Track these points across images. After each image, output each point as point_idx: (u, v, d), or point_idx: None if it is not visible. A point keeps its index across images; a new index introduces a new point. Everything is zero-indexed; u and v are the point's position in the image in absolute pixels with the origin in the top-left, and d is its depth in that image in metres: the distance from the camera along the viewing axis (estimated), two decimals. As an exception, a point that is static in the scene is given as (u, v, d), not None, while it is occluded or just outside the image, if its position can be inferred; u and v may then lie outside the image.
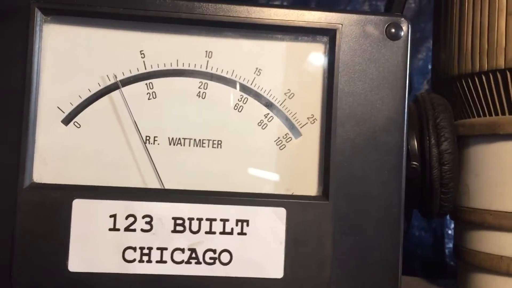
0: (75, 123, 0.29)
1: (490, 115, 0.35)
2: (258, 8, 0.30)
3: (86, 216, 0.28)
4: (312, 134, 0.30)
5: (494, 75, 0.34)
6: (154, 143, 0.29)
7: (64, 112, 0.29)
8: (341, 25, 0.30)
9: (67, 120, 0.29)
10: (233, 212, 0.29)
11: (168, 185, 0.29)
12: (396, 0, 0.38)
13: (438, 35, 0.40)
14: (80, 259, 0.28)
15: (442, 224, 0.61)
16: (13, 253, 0.27)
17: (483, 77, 0.35)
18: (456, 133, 0.36)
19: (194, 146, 0.30)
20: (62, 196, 0.28)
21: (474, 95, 0.36)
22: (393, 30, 0.31)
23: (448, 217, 0.50)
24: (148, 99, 0.29)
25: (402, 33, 0.31)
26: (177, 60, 0.30)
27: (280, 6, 0.30)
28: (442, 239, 0.62)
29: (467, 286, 0.37)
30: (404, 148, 0.31)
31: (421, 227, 0.62)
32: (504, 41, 0.33)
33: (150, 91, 0.29)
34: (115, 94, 0.29)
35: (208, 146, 0.30)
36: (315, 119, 0.30)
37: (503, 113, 0.34)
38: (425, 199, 0.37)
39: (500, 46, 0.33)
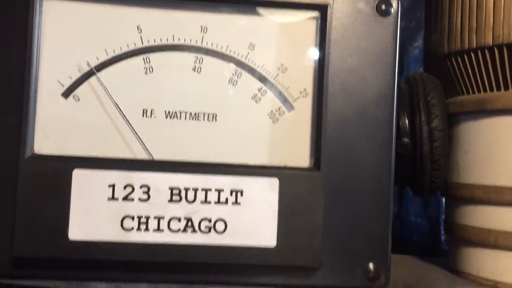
0: (75, 96, 0.30)
1: (479, 92, 0.36)
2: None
3: (85, 186, 0.29)
4: (304, 108, 0.31)
5: (483, 52, 0.35)
6: (151, 116, 0.30)
7: (63, 86, 0.30)
8: (332, 1, 0.31)
9: (66, 94, 0.30)
10: (227, 182, 0.29)
11: (165, 157, 0.30)
12: None
13: (430, 16, 0.40)
14: (80, 227, 0.28)
15: (438, 210, 0.62)
16: (15, 222, 0.28)
17: (472, 55, 0.35)
18: (446, 111, 0.37)
19: (190, 119, 0.31)
20: (62, 167, 0.29)
21: (464, 72, 0.37)
22: (383, 7, 0.32)
23: (439, 194, 0.50)
24: (145, 73, 0.30)
25: (392, 10, 0.32)
26: (173, 35, 0.30)
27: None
28: (438, 226, 0.63)
29: (457, 260, 0.38)
30: (393, 122, 0.32)
31: (417, 214, 0.63)
32: (492, 19, 0.34)
33: (147, 65, 0.30)
34: (113, 68, 0.30)
35: (204, 119, 0.31)
36: (307, 93, 0.31)
37: (491, 90, 0.35)
38: (416, 176, 0.38)
39: (488, 24, 0.34)
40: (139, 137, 0.30)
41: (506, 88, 0.34)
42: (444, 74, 0.38)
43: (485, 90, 0.36)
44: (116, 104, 0.30)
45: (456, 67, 0.37)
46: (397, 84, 0.32)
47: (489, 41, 0.34)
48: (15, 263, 0.29)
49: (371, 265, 0.31)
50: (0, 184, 0.29)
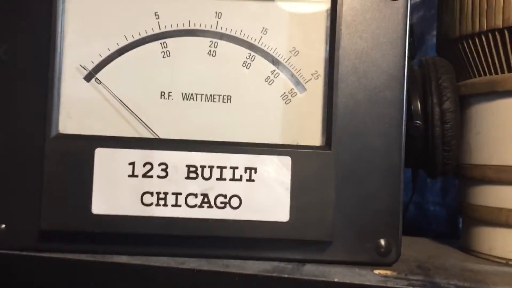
0: (96, 80, 0.31)
1: (490, 74, 0.37)
2: (263, -29, 0.32)
3: (107, 164, 0.30)
4: (316, 89, 0.32)
5: (493, 34, 0.35)
6: (168, 98, 0.32)
7: (86, 70, 0.31)
8: (341, -15, 0.32)
9: (88, 77, 0.31)
10: (242, 160, 0.31)
11: (182, 136, 0.31)
12: None
13: (443, 0, 0.41)
14: (102, 202, 0.30)
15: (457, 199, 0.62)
16: (42, 198, 0.30)
17: (483, 37, 0.36)
18: (458, 93, 0.38)
19: (205, 100, 0.32)
20: (85, 146, 0.30)
21: (475, 55, 0.37)
22: (393, -9, 0.33)
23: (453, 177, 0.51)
24: (163, 57, 0.32)
25: (402, -6, 0.33)
26: (189, 21, 0.32)
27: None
28: (456, 215, 0.63)
29: (470, 240, 0.39)
30: (404, 102, 0.33)
31: (435, 202, 0.64)
32: (502, 1, 0.35)
33: (164, 50, 0.32)
34: (133, 52, 0.32)
35: (219, 101, 0.32)
36: (318, 75, 0.32)
37: (502, 72, 0.36)
38: (429, 158, 0.39)
39: (498, 6, 0.35)
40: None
41: (506, 71, 0.35)
42: (455, 57, 0.39)
43: (496, 72, 0.36)
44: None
45: (467, 50, 0.38)
46: (407, 66, 0.33)
47: (499, 23, 0.35)
48: (42, 237, 0.31)
49: (382, 241, 0.32)
50: (28, 162, 0.31)
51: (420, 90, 0.39)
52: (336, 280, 0.29)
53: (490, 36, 0.36)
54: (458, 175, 0.40)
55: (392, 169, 0.32)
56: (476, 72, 0.38)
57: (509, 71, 0.35)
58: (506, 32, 0.35)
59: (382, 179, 0.32)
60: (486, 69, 0.37)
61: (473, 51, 0.37)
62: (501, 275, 0.32)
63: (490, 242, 0.37)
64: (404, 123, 0.33)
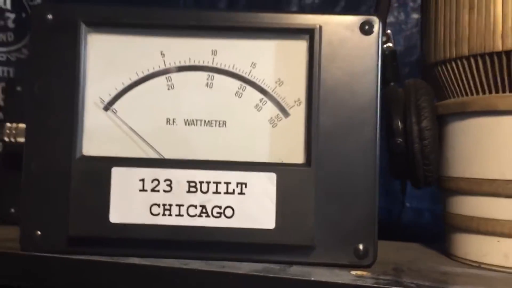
0: (113, 110, 0.38)
1: (462, 95, 0.41)
2: (251, 14, 0.37)
3: (122, 180, 0.36)
4: (298, 114, 0.37)
5: (461, 61, 0.40)
6: (173, 124, 0.38)
7: (104, 101, 0.38)
8: (318, 25, 0.37)
9: (106, 108, 0.38)
10: (234, 176, 0.36)
11: (184, 156, 0.37)
12: (382, 3, 0.45)
13: (423, 29, 0.46)
14: (118, 213, 0.36)
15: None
16: (69, 209, 0.36)
17: (453, 63, 0.40)
18: (436, 113, 0.42)
19: (204, 125, 0.38)
20: (104, 165, 0.36)
21: (448, 79, 0.42)
22: (366, 27, 0.38)
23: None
24: (168, 89, 0.38)
25: (374, 29, 0.38)
26: (189, 58, 0.38)
27: (268, 11, 0.37)
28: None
29: (449, 245, 0.43)
30: (377, 125, 0.37)
31: (425, 208, 0.65)
32: (468, 32, 0.39)
33: (169, 83, 0.38)
34: (143, 86, 0.38)
35: (215, 126, 0.38)
36: (300, 102, 0.37)
37: (472, 94, 0.40)
38: (412, 171, 0.43)
39: (464, 36, 0.39)
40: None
41: (483, 92, 0.39)
42: (434, 80, 0.43)
43: (466, 94, 0.40)
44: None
45: (442, 74, 0.42)
46: (380, 93, 0.37)
47: (465, 52, 0.39)
48: (69, 242, 0.37)
49: (360, 246, 0.37)
50: (58, 180, 0.37)
51: (402, 111, 0.43)
52: (312, 279, 0.34)
53: (459, 62, 0.40)
54: (440, 186, 0.44)
55: (367, 183, 0.37)
56: (450, 94, 0.42)
57: (477, 94, 0.40)
58: (472, 59, 0.39)
59: (359, 192, 0.37)
60: (458, 91, 0.41)
61: (446, 75, 0.41)
62: (466, 276, 0.37)
63: (465, 247, 0.41)
64: (377, 142, 0.37)
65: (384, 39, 0.45)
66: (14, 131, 0.43)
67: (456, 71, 0.40)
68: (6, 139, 0.43)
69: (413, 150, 0.42)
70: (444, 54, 0.41)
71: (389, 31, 0.46)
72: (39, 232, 0.37)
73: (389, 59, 0.45)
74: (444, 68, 0.41)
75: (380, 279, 0.34)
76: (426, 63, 0.44)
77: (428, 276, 0.36)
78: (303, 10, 0.77)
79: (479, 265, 0.40)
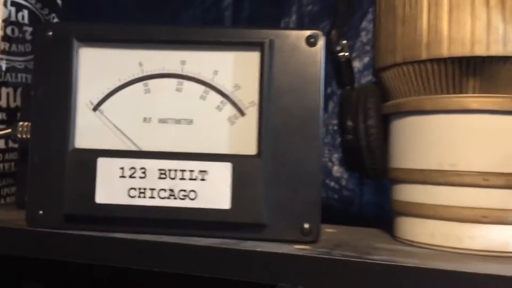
0: (100, 110, 0.45)
1: (399, 97, 0.47)
2: (213, 30, 0.45)
3: (106, 168, 0.44)
4: (252, 114, 0.45)
5: (397, 68, 0.46)
6: (149, 122, 0.45)
7: (93, 103, 0.46)
8: (268, 39, 0.44)
9: (95, 109, 0.46)
10: (197, 165, 0.44)
11: (157, 149, 0.45)
12: (338, 18, 0.52)
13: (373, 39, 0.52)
14: (103, 195, 0.44)
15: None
16: (64, 193, 0.44)
17: (391, 70, 0.47)
18: (381, 112, 0.49)
19: (174, 123, 0.45)
20: (92, 156, 0.44)
21: (388, 83, 0.48)
22: (311, 40, 0.45)
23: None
24: (145, 93, 0.45)
25: (318, 42, 0.45)
26: (163, 67, 0.45)
27: (228, 28, 0.44)
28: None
29: (394, 228, 0.49)
30: (320, 123, 0.44)
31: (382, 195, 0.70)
32: (400, 43, 0.45)
33: (146, 88, 0.45)
34: (125, 90, 0.45)
35: (184, 123, 0.45)
36: (254, 103, 0.45)
37: (405, 96, 0.47)
38: (361, 164, 0.50)
39: (398, 46, 0.46)
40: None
41: (414, 94, 0.46)
42: (380, 83, 0.50)
43: (402, 96, 0.47)
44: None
45: (384, 79, 0.49)
46: (322, 96, 0.44)
47: (399, 60, 0.46)
48: (66, 220, 0.45)
49: (305, 225, 0.44)
50: (55, 168, 0.45)
51: (353, 111, 0.50)
52: (257, 249, 0.41)
53: (395, 69, 0.46)
54: (387, 177, 0.51)
55: (311, 172, 0.44)
56: (392, 96, 0.49)
57: (409, 96, 0.46)
58: (403, 66, 0.45)
59: (304, 179, 0.44)
60: (396, 94, 0.48)
61: (386, 80, 0.48)
62: (391, 250, 0.43)
63: (402, 228, 0.47)
64: (320, 137, 0.44)
65: (339, 48, 0.52)
66: (25, 129, 0.51)
67: (394, 77, 0.47)
68: (19, 135, 0.51)
69: (361, 146, 0.49)
70: (384, 62, 0.47)
71: (345, 42, 0.52)
72: (41, 212, 0.45)
73: (344, 66, 0.52)
74: (384, 74, 0.48)
75: (314, 251, 0.41)
76: (373, 69, 0.51)
77: (358, 250, 0.42)
78: (302, 17, 0.85)
79: (411, 243, 0.46)
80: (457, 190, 0.43)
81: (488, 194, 0.42)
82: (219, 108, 0.45)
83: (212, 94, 0.45)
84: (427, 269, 0.36)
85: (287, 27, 0.44)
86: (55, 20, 0.70)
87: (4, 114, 0.63)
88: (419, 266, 0.37)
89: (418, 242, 0.45)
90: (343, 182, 0.78)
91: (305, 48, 0.44)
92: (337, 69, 0.52)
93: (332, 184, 0.79)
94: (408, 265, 0.37)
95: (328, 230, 0.53)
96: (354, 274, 0.38)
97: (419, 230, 0.45)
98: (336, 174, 0.79)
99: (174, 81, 0.45)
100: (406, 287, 0.37)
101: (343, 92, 0.52)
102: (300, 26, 0.78)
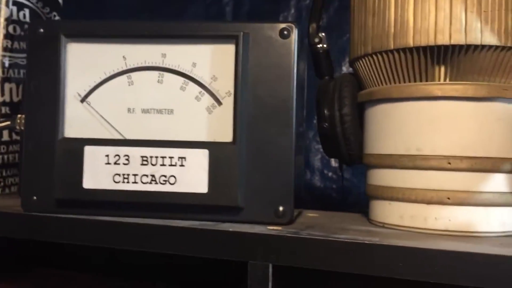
0: (87, 102, 0.49)
1: (371, 86, 0.50)
2: (191, 24, 0.47)
3: (92, 156, 0.47)
4: (229, 104, 0.47)
5: (367, 58, 0.48)
6: (133, 112, 0.48)
7: (81, 95, 0.49)
8: (242, 32, 0.46)
9: (82, 100, 0.49)
10: (177, 152, 0.46)
11: (140, 137, 0.48)
12: (316, 11, 0.54)
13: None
14: (90, 181, 0.47)
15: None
16: (54, 179, 0.48)
17: (363, 60, 0.49)
18: (356, 101, 0.51)
19: (156, 113, 0.48)
20: (79, 145, 0.47)
21: (361, 72, 0.50)
22: (285, 32, 0.47)
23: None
24: (129, 85, 0.48)
25: (291, 34, 0.47)
26: (145, 60, 0.48)
27: (205, 22, 0.47)
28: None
29: (369, 211, 0.52)
30: (293, 112, 0.47)
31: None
32: (371, 34, 0.48)
33: (130, 80, 0.48)
34: (110, 83, 0.48)
35: (165, 113, 0.48)
36: (230, 93, 0.47)
37: (376, 85, 0.49)
38: (337, 150, 0.52)
39: (369, 37, 0.48)
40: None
41: (384, 83, 0.48)
42: (355, 73, 0.52)
43: (374, 85, 0.49)
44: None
45: (357, 68, 0.51)
46: (295, 86, 0.47)
47: (369, 51, 0.48)
48: (57, 204, 0.48)
49: (280, 208, 0.47)
50: (46, 156, 0.48)
51: (329, 100, 0.52)
52: (230, 230, 0.44)
53: (367, 59, 0.49)
54: (363, 163, 0.53)
55: (285, 158, 0.46)
56: (366, 85, 0.51)
57: (379, 85, 0.48)
58: (374, 56, 0.48)
59: (278, 165, 0.46)
60: (369, 83, 0.50)
61: (360, 69, 0.50)
62: (359, 231, 0.45)
63: (375, 211, 0.50)
64: (293, 125, 0.47)
65: (317, 40, 0.54)
66: (22, 121, 0.55)
67: (366, 66, 0.49)
68: (17, 127, 0.55)
69: (336, 133, 0.51)
70: (357, 52, 0.50)
71: (323, 34, 0.55)
72: (35, 197, 0.49)
73: (323, 57, 0.55)
74: (358, 63, 0.50)
75: (284, 231, 0.44)
76: (349, 60, 0.53)
77: (327, 231, 0.45)
78: (301, 11, 0.87)
79: (383, 225, 0.48)
80: (423, 174, 0.45)
81: (452, 177, 0.44)
82: (197, 98, 0.48)
83: (191, 85, 0.48)
84: (383, 246, 0.39)
85: (262, 20, 0.46)
86: (57, 18, 0.74)
87: (7, 108, 0.67)
88: (375, 243, 0.39)
89: (389, 224, 0.48)
90: (345, 173, 0.80)
91: (279, 40, 0.47)
92: (316, 60, 0.55)
93: (330, 174, 0.81)
94: (364, 242, 0.39)
95: (310, 214, 0.56)
96: (317, 251, 0.40)
97: (389, 213, 0.48)
98: (335, 164, 0.82)
99: (155, 73, 0.48)
100: (363, 262, 0.39)
101: (321, 82, 0.55)
102: (299, 20, 0.80)
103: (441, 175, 0.44)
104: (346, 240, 0.40)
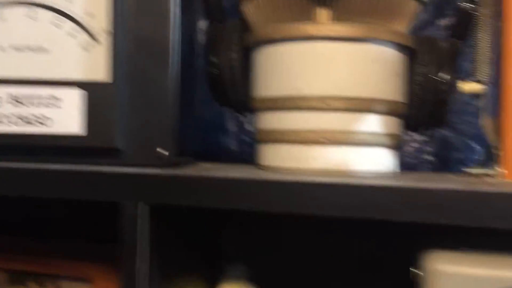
0: (-46, 39, 0.46)
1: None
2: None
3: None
4: (107, 43, 0.45)
5: (253, 1, 0.48)
6: (4, 51, 0.46)
7: None
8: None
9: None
10: (52, 92, 0.45)
11: (13, 76, 0.45)
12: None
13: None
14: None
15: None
16: None
17: (248, 3, 0.48)
18: (244, 46, 0.50)
19: (29, 51, 0.46)
20: None
21: (248, 17, 0.49)
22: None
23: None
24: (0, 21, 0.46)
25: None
26: (17, -4, 0.45)
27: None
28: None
29: (257, 157, 0.51)
30: (170, 53, 0.45)
31: None
32: (254, -26, 0.47)
33: (2, 17, 0.46)
34: (-21, 19, 0.45)
35: (38, 51, 0.46)
36: (110, 32, 0.45)
37: (263, 28, 0.48)
38: (227, 97, 0.52)
39: (252, -23, 0.47)
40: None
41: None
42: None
43: (260, 29, 0.49)
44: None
45: (245, 13, 0.50)
46: (174, 22, 0.45)
47: (252, -10, 0.47)
48: None
49: (159, 150, 0.46)
50: None
51: (217, 46, 0.51)
52: (102, 170, 0.42)
53: (253, 2, 0.48)
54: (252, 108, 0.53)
55: (165, 100, 0.45)
56: (253, 30, 0.50)
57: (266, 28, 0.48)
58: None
59: (158, 107, 0.45)
60: (255, 27, 0.49)
61: (247, 14, 0.49)
62: (241, 172, 0.45)
63: (261, 155, 0.50)
64: (175, 64, 0.46)
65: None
66: None
67: (253, 10, 0.48)
68: None
69: (224, 79, 0.50)
70: (241, -5, 0.49)
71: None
72: None
73: (213, 2, 0.53)
74: (246, 7, 0.49)
75: (157, 170, 0.43)
76: (239, 5, 0.52)
77: (205, 171, 0.44)
78: None
79: (267, 168, 0.48)
80: (302, 115, 0.45)
81: (329, 117, 0.44)
82: (73, 36, 0.46)
83: (66, 21, 0.45)
84: (252, 180, 0.39)
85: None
86: None
87: None
88: (245, 178, 0.39)
89: (274, 166, 0.48)
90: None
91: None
92: (206, 4, 0.53)
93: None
94: (236, 177, 0.39)
95: (205, 165, 0.55)
96: (183, 188, 0.40)
97: (273, 155, 0.48)
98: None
99: (28, 8, 0.45)
100: (237, 198, 0.39)
101: (209, 28, 0.53)
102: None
103: (319, 116, 0.45)
104: (216, 176, 0.40)
